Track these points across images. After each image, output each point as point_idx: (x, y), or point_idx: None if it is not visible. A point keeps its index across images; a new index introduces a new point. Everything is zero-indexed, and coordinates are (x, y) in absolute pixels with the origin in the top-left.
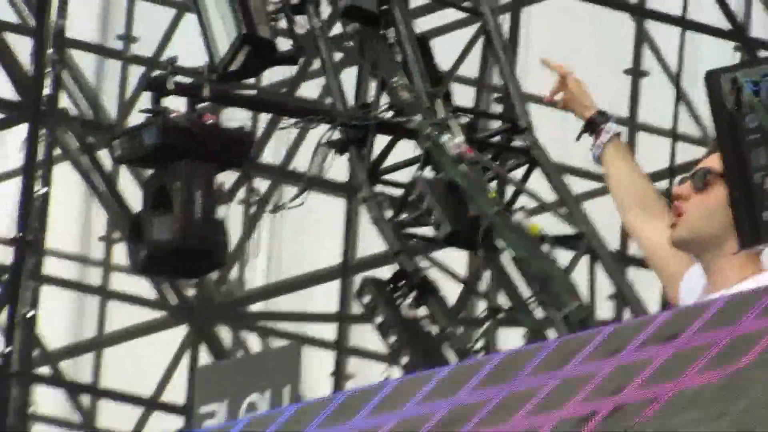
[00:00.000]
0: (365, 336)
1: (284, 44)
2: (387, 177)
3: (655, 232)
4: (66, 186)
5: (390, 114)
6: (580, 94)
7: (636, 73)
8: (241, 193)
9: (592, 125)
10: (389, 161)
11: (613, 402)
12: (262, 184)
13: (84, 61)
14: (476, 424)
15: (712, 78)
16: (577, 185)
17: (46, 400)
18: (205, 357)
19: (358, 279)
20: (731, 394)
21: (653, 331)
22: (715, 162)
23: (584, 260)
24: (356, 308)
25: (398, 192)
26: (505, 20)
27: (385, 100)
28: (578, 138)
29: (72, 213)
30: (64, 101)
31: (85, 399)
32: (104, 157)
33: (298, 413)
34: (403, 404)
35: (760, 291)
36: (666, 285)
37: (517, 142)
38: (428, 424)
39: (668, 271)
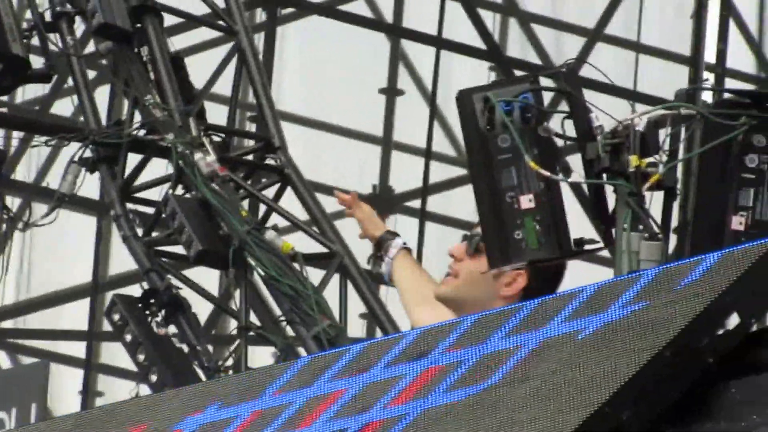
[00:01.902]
0: (116, 354)
1: (37, 62)
2: (139, 195)
3: (431, 317)
4: None
5: (143, 132)
6: (368, 221)
7: (391, 91)
8: None
9: (381, 244)
10: (141, 179)
11: (361, 420)
12: (13, 202)
13: None
14: None
15: (465, 97)
16: (330, 204)
17: None
18: None
19: (108, 297)
20: (479, 413)
21: (402, 349)
22: None
23: (336, 279)
24: (106, 326)
25: (150, 210)
26: (260, 39)
27: (138, 118)
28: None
29: None
30: None
31: None
32: None
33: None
34: (150, 421)
35: (508, 311)
36: None
37: (271, 161)
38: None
39: None
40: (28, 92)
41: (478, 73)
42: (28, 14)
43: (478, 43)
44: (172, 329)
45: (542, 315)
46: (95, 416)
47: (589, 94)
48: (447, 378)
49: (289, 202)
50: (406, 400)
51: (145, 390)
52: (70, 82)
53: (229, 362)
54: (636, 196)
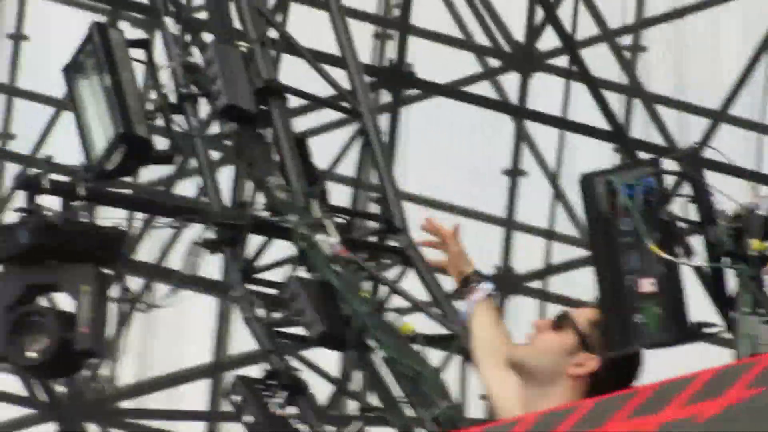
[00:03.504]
0: None
1: (161, 143)
2: (260, 276)
3: (498, 380)
4: None
5: (266, 214)
6: (460, 256)
7: (514, 172)
8: (114, 291)
9: (467, 281)
10: (264, 260)
11: None
12: (135, 282)
13: None
14: None
15: (587, 181)
16: (452, 284)
17: None
18: None
19: (229, 377)
20: None
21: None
22: (579, 314)
23: (456, 360)
24: (226, 407)
25: (272, 291)
26: (384, 120)
27: (261, 199)
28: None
29: None
30: None
31: None
32: None
33: None
34: None
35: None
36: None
37: (392, 242)
38: None
39: (501, 412)
40: (151, 173)
41: (601, 154)
42: (153, 95)
43: (602, 124)
44: (291, 410)
45: (660, 399)
46: None
47: (712, 177)
48: None
49: (411, 283)
50: None
51: None
52: (193, 163)
53: None
54: (756, 279)
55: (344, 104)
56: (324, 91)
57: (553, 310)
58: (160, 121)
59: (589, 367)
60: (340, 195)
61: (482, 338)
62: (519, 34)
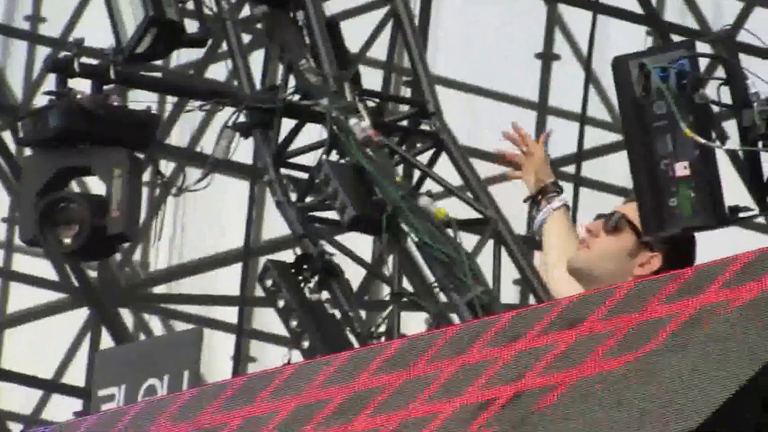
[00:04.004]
0: (268, 320)
1: (192, 26)
2: (292, 160)
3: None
4: None
5: (297, 97)
6: (543, 165)
7: (547, 56)
8: (146, 176)
9: (545, 191)
10: (295, 145)
11: (513, 388)
12: (167, 167)
13: None
14: (375, 409)
15: (620, 64)
16: (484, 169)
17: None
18: (106, 339)
19: (261, 262)
20: (632, 382)
21: (556, 317)
22: (631, 211)
23: (490, 245)
24: (259, 291)
25: (304, 176)
26: (416, 3)
27: (292, 83)
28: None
29: None
30: None
31: None
32: (8, 139)
33: (197, 396)
34: (302, 388)
35: (664, 278)
36: None
37: (425, 126)
38: (327, 408)
39: None
40: (182, 57)
41: (634, 38)
42: None
43: (636, 7)
44: (324, 295)
45: (698, 282)
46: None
47: (746, 60)
48: (601, 346)
49: (444, 167)
50: (559, 369)
51: (297, 356)
52: (224, 46)
53: (382, 328)
54: None
55: None
56: None
57: (587, 195)
58: (190, 4)
59: (653, 265)
60: (372, 78)
61: (554, 245)
62: None
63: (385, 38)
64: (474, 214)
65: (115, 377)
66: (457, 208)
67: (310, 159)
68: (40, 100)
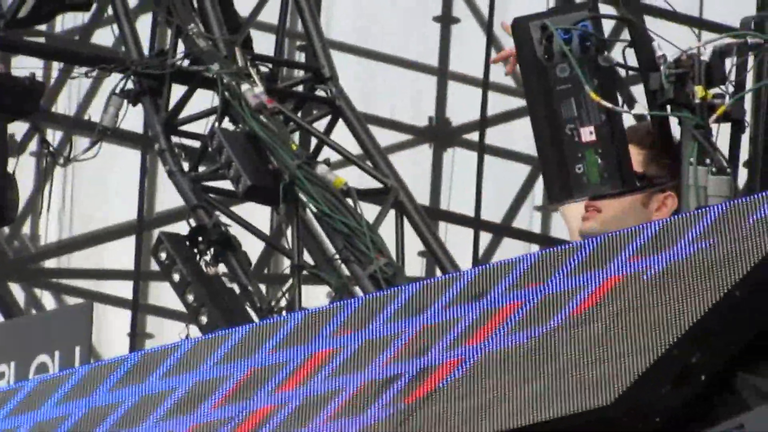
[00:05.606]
0: (164, 294)
1: None
2: (184, 128)
3: None
4: None
5: (186, 63)
6: None
7: (446, 19)
8: (32, 145)
9: None
10: (186, 112)
11: (418, 364)
12: (54, 136)
13: None
14: (275, 387)
15: (521, 25)
16: (384, 137)
17: None
18: None
19: (155, 234)
20: (541, 357)
21: (461, 289)
22: (636, 164)
23: (392, 215)
24: (154, 265)
25: (196, 144)
26: None
27: (182, 48)
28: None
29: None
30: None
31: None
32: None
33: (90, 374)
34: (198, 366)
35: (568, 250)
36: None
37: (321, 92)
38: (225, 386)
39: None
40: (67, 21)
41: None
42: None
43: None
44: (221, 268)
45: (605, 254)
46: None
47: (651, 22)
48: (507, 320)
49: (341, 135)
50: (464, 344)
51: (195, 332)
52: (110, 10)
53: (283, 303)
54: (702, 128)
55: None
56: None
57: (491, 162)
58: None
59: (670, 206)
60: (264, 43)
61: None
62: None
63: (276, 1)
64: (374, 184)
65: (4, 354)
66: (356, 178)
67: (202, 126)
68: None
